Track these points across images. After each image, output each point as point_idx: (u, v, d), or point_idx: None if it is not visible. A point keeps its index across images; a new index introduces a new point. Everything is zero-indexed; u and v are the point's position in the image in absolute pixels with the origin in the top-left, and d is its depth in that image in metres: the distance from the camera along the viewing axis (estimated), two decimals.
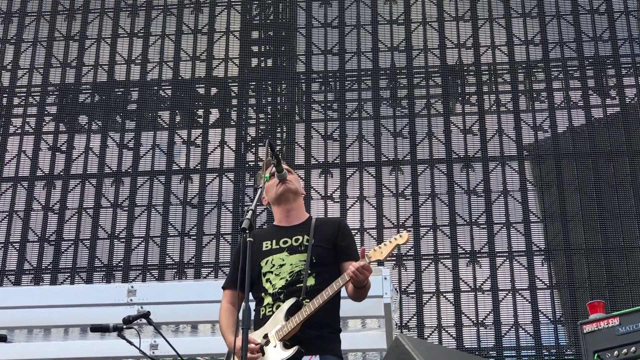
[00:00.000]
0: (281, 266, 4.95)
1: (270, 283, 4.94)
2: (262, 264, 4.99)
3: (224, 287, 5.21)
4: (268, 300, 4.92)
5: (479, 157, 14.96)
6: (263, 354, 4.71)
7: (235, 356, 4.69)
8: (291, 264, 4.94)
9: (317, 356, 4.72)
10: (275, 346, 4.71)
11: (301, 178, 14.81)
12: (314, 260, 4.93)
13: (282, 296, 4.88)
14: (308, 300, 4.74)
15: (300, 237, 5.01)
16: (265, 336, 4.76)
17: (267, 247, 5.03)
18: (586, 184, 14.50)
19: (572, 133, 14.98)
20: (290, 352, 4.66)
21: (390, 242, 4.78)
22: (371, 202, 14.80)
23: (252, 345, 4.61)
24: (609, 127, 14.96)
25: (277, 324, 4.77)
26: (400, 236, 4.78)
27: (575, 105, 15.21)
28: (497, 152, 15.00)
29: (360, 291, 4.85)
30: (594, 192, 14.38)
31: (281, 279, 4.92)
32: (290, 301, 4.80)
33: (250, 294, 4.78)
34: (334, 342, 4.94)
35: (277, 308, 4.85)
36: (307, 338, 4.73)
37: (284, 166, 5.18)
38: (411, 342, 4.02)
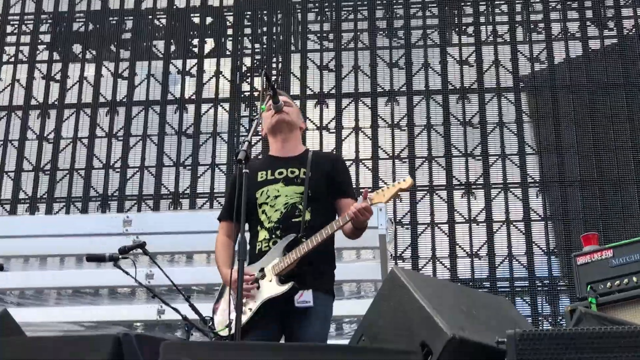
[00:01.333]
0: (276, 197, 4.93)
1: (266, 215, 4.92)
2: (257, 195, 4.96)
3: (219, 219, 5.21)
4: (264, 234, 4.90)
5: (475, 88, 14.91)
6: (258, 287, 4.72)
7: (230, 288, 4.70)
8: (286, 196, 4.92)
9: (310, 291, 4.73)
10: (270, 280, 4.72)
11: None
12: (310, 195, 4.91)
13: (278, 232, 4.87)
14: (303, 240, 4.74)
15: (297, 170, 4.97)
16: (262, 270, 4.76)
17: (262, 177, 5.00)
18: (582, 116, 14.46)
19: (568, 64, 14.91)
20: (286, 287, 4.66)
21: (393, 185, 4.77)
22: (366, 133, 14.77)
23: (247, 277, 4.61)
24: (606, 58, 14.87)
25: (274, 258, 4.77)
26: (404, 180, 4.77)
27: (573, 37, 15.10)
28: (493, 84, 14.94)
29: (358, 231, 4.85)
30: (589, 125, 14.35)
31: (276, 210, 4.90)
32: (289, 237, 4.79)
33: (246, 225, 4.78)
34: (328, 279, 4.95)
35: (273, 244, 4.84)
36: (301, 273, 4.73)
37: (285, 98, 5.15)
38: (407, 274, 4.02)
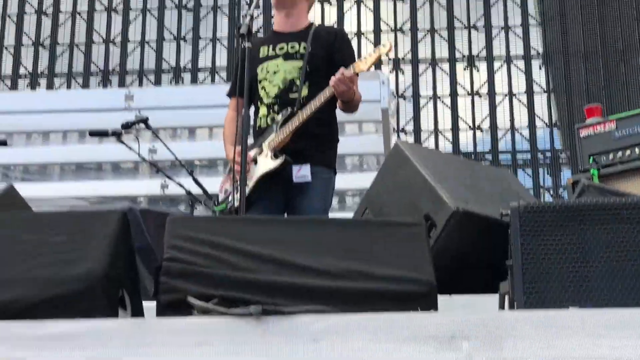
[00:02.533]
0: (275, 73, 4.88)
1: (265, 91, 4.89)
2: (258, 70, 4.93)
3: (228, 95, 5.19)
4: (263, 110, 4.88)
5: None
6: (256, 163, 4.72)
7: (233, 167, 4.70)
8: (285, 71, 4.87)
9: (308, 165, 4.72)
10: (267, 156, 4.72)
11: None
12: (308, 70, 4.86)
13: (275, 107, 4.84)
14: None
15: (297, 44, 4.91)
16: (260, 146, 4.76)
17: (263, 53, 4.95)
18: None
19: None
20: (278, 161, 4.64)
21: (374, 52, 4.70)
22: (368, 5, 14.62)
23: (237, 159, 4.58)
24: None
25: (270, 134, 4.77)
26: (383, 46, 4.68)
27: None
28: None
29: (347, 105, 4.78)
30: None
31: (274, 86, 4.86)
32: (285, 113, 4.77)
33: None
34: (327, 152, 4.91)
35: (271, 120, 4.83)
36: (298, 148, 4.71)
37: None
38: (411, 148, 4.01)
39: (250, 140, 4.66)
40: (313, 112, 4.60)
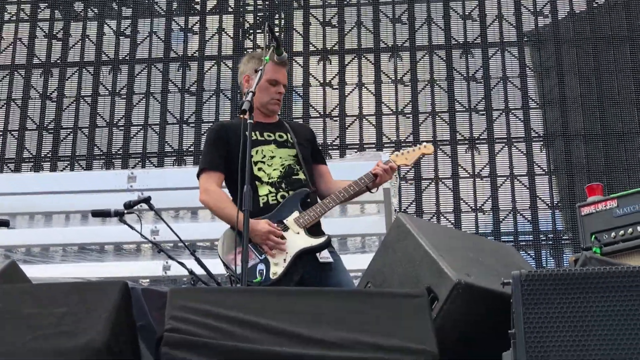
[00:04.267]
0: (272, 157, 5.03)
1: (264, 172, 4.98)
2: (253, 152, 5.01)
3: (203, 169, 5.18)
4: (267, 189, 4.96)
5: (478, 43, 14.85)
6: (283, 238, 4.77)
7: (256, 239, 4.67)
8: (281, 157, 5.04)
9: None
10: (298, 233, 4.77)
11: (299, 65, 14.75)
12: (301, 157, 5.04)
13: (283, 185, 4.95)
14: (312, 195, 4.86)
15: (284, 135, 5.11)
16: (281, 222, 4.80)
17: (253, 137, 5.05)
18: (586, 70, 14.41)
19: (572, 18, 14.83)
20: (322, 239, 4.78)
21: (414, 150, 4.85)
22: (370, 89, 14.74)
23: (273, 229, 4.67)
24: (610, 12, 14.78)
25: (292, 212, 4.82)
26: (425, 146, 4.89)
27: None
28: (496, 38, 14.87)
29: (361, 193, 5.00)
30: (593, 78, 14.30)
31: (274, 169, 4.98)
32: (303, 191, 4.88)
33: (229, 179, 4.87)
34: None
35: (281, 197, 4.90)
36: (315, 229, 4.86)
37: (285, 79, 5.28)
38: (412, 221, 4.04)
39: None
40: (350, 196, 4.73)
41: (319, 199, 4.90)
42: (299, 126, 5.48)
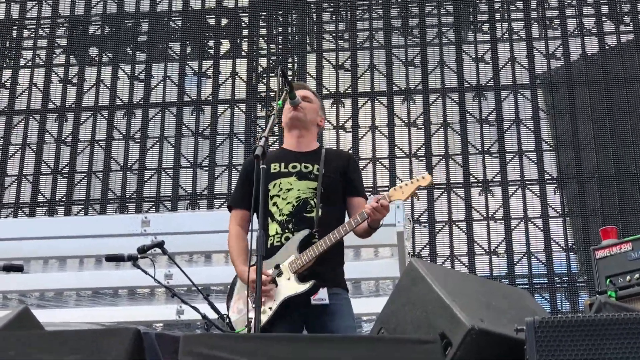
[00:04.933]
0: (288, 190, 4.96)
1: (277, 207, 4.94)
2: (270, 186, 4.99)
3: (230, 206, 5.22)
4: (275, 228, 4.91)
5: (491, 85, 14.89)
6: (276, 284, 4.73)
7: (248, 287, 4.70)
8: (299, 190, 4.95)
9: (325, 289, 4.76)
10: (289, 278, 4.72)
11: None
12: (323, 191, 4.94)
13: (290, 225, 4.89)
14: (317, 236, 4.77)
15: (310, 166, 5.02)
16: (277, 266, 4.77)
17: (275, 169, 5.03)
18: (599, 112, 14.42)
19: (585, 61, 14.86)
20: (307, 286, 4.68)
21: (411, 182, 4.76)
22: (383, 132, 14.77)
23: (264, 277, 4.60)
24: (622, 54, 14.82)
25: (289, 255, 4.78)
26: (423, 177, 4.77)
27: (589, 33, 15.06)
28: (509, 81, 14.91)
29: (371, 231, 4.86)
30: (606, 120, 14.31)
31: (288, 203, 4.92)
32: (303, 232, 4.81)
33: (255, 218, 4.82)
34: (341, 274, 4.99)
35: (285, 239, 4.86)
36: (315, 271, 4.76)
37: (305, 93, 5.21)
38: (425, 266, 4.02)
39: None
40: (341, 237, 4.67)
41: (326, 239, 4.79)
42: (335, 155, 5.21)
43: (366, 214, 4.68)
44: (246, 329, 4.64)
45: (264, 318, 4.52)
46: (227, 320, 5.01)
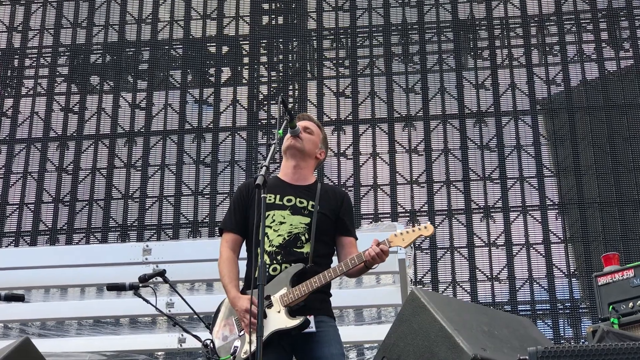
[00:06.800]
0: (281, 223, 4.97)
1: (268, 238, 4.94)
2: None
3: (222, 229, 5.20)
4: (264, 258, 4.92)
5: (491, 112, 14.91)
6: (265, 316, 4.72)
7: (238, 314, 4.72)
8: (291, 224, 4.96)
9: (312, 316, 4.78)
10: (279, 311, 4.72)
11: None
12: (315, 228, 4.96)
13: (279, 257, 4.90)
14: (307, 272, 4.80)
15: (305, 201, 5.03)
16: (268, 297, 4.76)
17: (270, 200, 5.02)
18: (600, 138, 14.44)
19: (585, 86, 14.90)
20: (298, 322, 4.68)
21: (413, 230, 4.78)
22: (384, 159, 14.79)
23: (254, 310, 4.58)
24: (622, 79, 14.86)
25: (281, 287, 4.78)
26: (425, 227, 4.79)
27: (589, 59, 15.10)
28: (510, 107, 14.94)
29: (366, 270, 4.91)
30: (607, 146, 14.32)
31: (279, 235, 4.93)
32: (297, 267, 4.82)
33: (244, 246, 4.87)
34: (326, 303, 5.00)
35: (273, 270, 4.87)
36: (306, 302, 4.77)
37: (307, 124, 5.22)
38: (427, 295, 4.02)
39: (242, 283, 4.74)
40: (337, 276, 4.69)
41: (321, 277, 4.81)
42: (331, 193, 5.20)
43: (365, 257, 4.71)
44: (231, 357, 4.65)
45: (249, 349, 4.50)
46: (212, 346, 5.00)
